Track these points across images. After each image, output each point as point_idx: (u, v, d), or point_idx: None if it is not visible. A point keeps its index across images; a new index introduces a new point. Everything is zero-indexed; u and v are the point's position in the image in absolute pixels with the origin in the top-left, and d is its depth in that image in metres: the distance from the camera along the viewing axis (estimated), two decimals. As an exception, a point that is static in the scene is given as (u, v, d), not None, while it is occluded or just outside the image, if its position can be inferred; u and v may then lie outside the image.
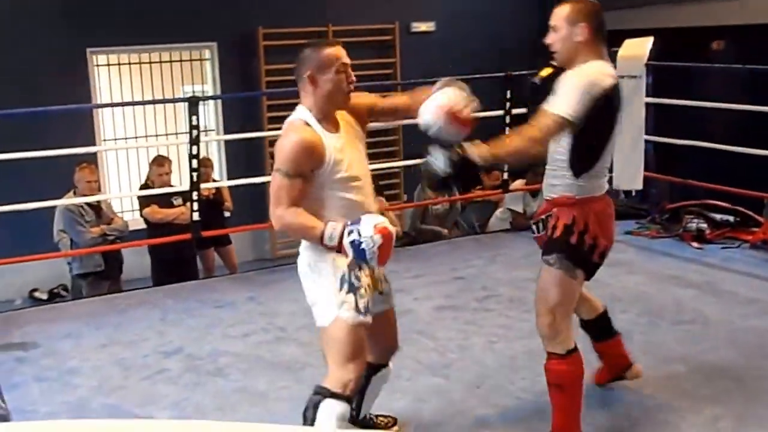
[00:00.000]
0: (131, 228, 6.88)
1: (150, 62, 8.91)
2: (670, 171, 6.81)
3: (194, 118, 5.53)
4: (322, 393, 2.83)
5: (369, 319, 2.89)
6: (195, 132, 5.51)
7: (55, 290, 8.10)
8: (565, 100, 2.94)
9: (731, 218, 6.15)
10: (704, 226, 6.10)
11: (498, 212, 7.39)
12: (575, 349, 3.17)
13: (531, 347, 4.26)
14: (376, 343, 3.16)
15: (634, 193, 6.83)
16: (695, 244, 5.98)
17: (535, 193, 6.98)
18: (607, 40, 3.14)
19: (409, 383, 3.91)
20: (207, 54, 9.04)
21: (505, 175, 6.84)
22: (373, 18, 9.50)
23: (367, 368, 3.11)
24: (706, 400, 3.63)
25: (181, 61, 9.03)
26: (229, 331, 4.74)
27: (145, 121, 8.81)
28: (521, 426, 3.49)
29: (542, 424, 3.47)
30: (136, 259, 6.87)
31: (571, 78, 3.01)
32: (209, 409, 3.78)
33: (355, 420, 3.15)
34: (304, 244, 2.93)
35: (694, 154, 6.63)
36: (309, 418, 2.82)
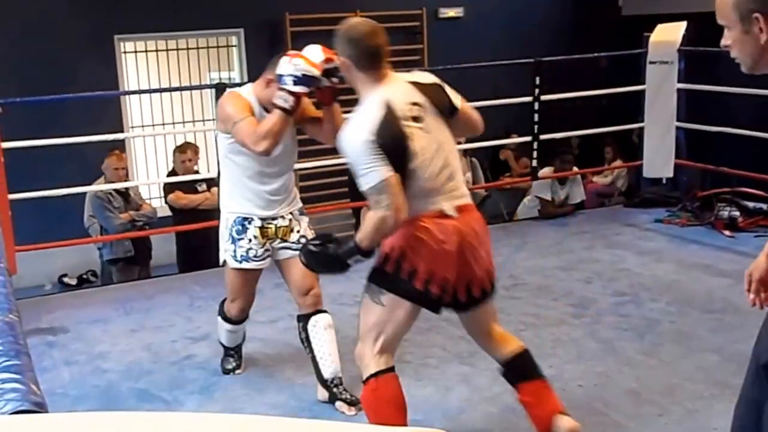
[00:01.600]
0: (159, 215, 6.92)
1: (177, 49, 8.93)
2: (702, 158, 6.72)
3: None
4: (219, 312, 3.88)
5: (247, 265, 3.57)
6: None
7: (84, 276, 8.17)
8: (364, 168, 2.68)
9: (764, 206, 6.06)
10: (737, 214, 6.02)
11: (526, 200, 7.35)
12: (376, 374, 2.92)
13: (558, 335, 4.25)
14: (293, 289, 3.68)
15: (665, 181, 6.76)
16: (727, 233, 5.90)
17: (563, 181, 6.94)
18: (381, 59, 2.83)
19: (436, 371, 3.90)
20: (234, 40, 9.05)
21: (534, 163, 6.79)
22: (401, 3, 9.45)
23: (300, 319, 3.67)
24: (736, 389, 3.54)
25: (207, 47, 9.04)
26: (256, 317, 4.72)
27: (172, 108, 8.84)
28: (549, 414, 3.46)
29: (570, 411, 3.44)
30: (165, 246, 6.91)
31: (349, 143, 2.75)
32: (237, 394, 3.79)
33: (323, 381, 3.60)
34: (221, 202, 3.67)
35: (727, 140, 6.54)
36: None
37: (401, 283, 2.82)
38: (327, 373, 3.59)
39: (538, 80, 6.48)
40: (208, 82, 8.96)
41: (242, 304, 3.73)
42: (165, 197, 6.86)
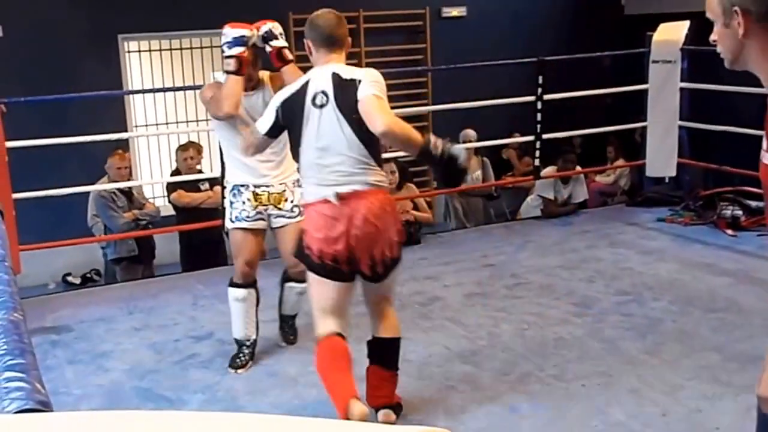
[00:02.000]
0: (162, 214, 6.92)
1: (181, 48, 8.94)
2: (705, 157, 6.71)
3: None
4: (230, 282, 4.09)
5: (239, 225, 3.97)
6: None
7: (88, 275, 8.18)
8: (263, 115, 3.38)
9: (767, 205, 6.05)
10: (739, 213, 6.01)
11: (529, 199, 7.36)
12: (323, 338, 3.23)
13: (561, 334, 4.25)
14: (283, 255, 4.05)
15: (667, 180, 6.75)
16: (730, 232, 5.90)
17: (566, 180, 6.94)
18: (335, 46, 3.25)
19: (438, 370, 3.91)
20: (238, 40, 9.05)
21: (536, 162, 6.79)
22: (404, 3, 9.44)
23: (285, 274, 4.24)
24: (739, 388, 3.58)
25: (211, 47, 9.03)
26: (259, 316, 4.74)
27: (176, 108, 8.85)
28: (550, 413, 3.47)
29: (572, 411, 3.46)
30: (168, 245, 6.91)
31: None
32: (240, 393, 3.80)
33: (280, 313, 4.34)
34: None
35: (730, 139, 6.52)
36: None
37: (306, 257, 3.25)
38: (284, 311, 4.32)
39: (540, 79, 6.49)
40: (211, 82, 8.95)
41: (245, 258, 4.01)
42: (168, 196, 6.86)
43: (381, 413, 3.35)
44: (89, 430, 0.64)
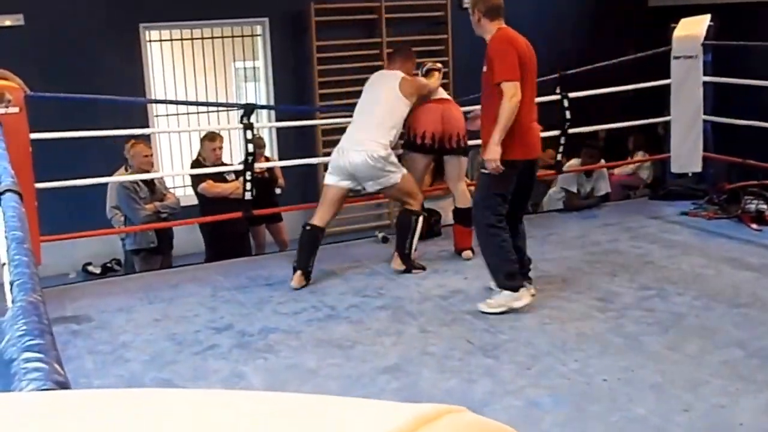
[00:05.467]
0: (183, 204, 6.92)
1: (202, 38, 8.93)
2: (729, 151, 6.63)
3: (249, 132, 5.85)
4: (417, 213, 5.26)
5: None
6: (249, 133, 5.83)
7: (109, 264, 8.20)
8: None
9: (793, 200, 5.98)
10: (764, 207, 5.94)
11: (551, 191, 7.30)
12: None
13: (583, 329, 4.21)
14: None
15: (690, 174, 6.67)
16: (754, 226, 5.83)
17: (590, 173, 6.88)
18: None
19: (460, 363, 3.89)
20: (258, 30, 9.03)
21: (559, 157, 6.74)
22: (425, -7, 9.40)
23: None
24: (762, 384, 3.54)
25: (232, 36, 9.03)
26: (279, 308, 4.76)
27: (197, 98, 8.86)
28: (571, 407, 3.44)
29: (593, 406, 3.42)
30: (187, 235, 6.91)
31: None
32: (259, 385, 3.80)
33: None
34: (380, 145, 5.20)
35: (755, 133, 6.44)
36: (412, 226, 5.23)
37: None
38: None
39: (559, 89, 6.52)
40: (232, 71, 8.97)
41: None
42: (194, 187, 6.81)
43: (466, 253, 5.42)
44: (102, 408, 0.61)
